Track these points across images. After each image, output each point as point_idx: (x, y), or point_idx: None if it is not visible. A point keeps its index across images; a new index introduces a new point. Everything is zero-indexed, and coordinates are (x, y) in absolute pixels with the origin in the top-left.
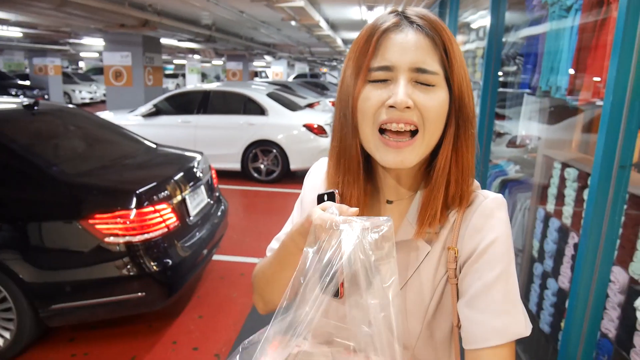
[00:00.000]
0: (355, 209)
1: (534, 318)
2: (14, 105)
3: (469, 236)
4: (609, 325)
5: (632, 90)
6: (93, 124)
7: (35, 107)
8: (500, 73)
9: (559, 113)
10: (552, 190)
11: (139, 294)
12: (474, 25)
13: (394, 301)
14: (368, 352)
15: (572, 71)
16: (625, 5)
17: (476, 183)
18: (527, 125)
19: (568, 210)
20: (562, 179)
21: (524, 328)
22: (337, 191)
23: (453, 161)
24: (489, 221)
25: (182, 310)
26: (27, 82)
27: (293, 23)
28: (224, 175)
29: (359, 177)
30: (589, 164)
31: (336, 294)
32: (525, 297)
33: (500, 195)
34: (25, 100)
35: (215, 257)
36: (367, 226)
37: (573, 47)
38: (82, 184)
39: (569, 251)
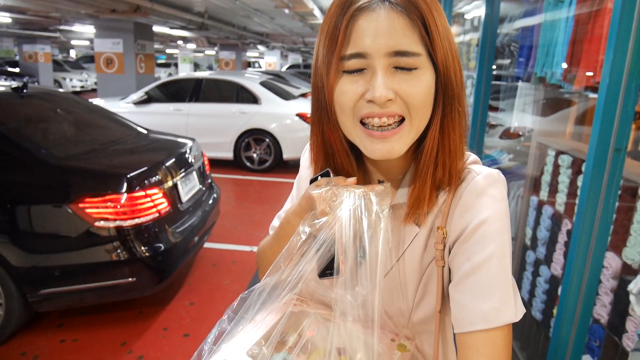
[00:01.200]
0: (353, 178)
1: (526, 306)
2: (2, 89)
3: (459, 215)
4: (601, 310)
5: (629, 72)
6: (83, 108)
7: (24, 91)
8: (494, 67)
9: (552, 104)
10: (546, 178)
11: (129, 279)
12: (468, 16)
13: (379, 273)
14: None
15: (565, 64)
16: None
17: (474, 157)
18: (520, 116)
19: (561, 197)
20: (556, 166)
21: (513, 313)
22: (330, 170)
23: (440, 144)
24: (480, 199)
25: (173, 297)
26: (17, 70)
27: (286, 11)
28: (216, 164)
29: (351, 163)
30: (583, 150)
31: (336, 273)
32: (517, 285)
33: (495, 170)
34: (14, 83)
35: (207, 244)
36: (366, 192)
37: (569, 33)
38: (72, 168)
39: (561, 238)
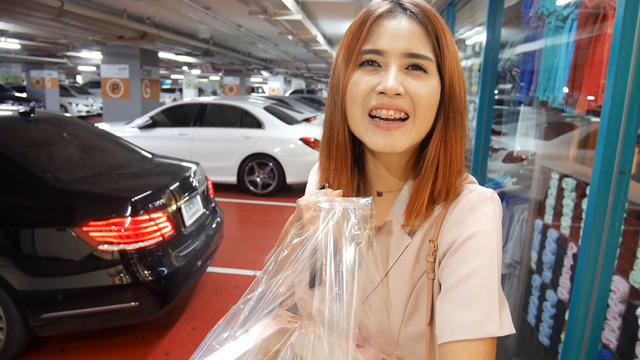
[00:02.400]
0: (339, 191)
1: (533, 331)
2: (10, 113)
3: (449, 229)
4: (610, 335)
5: (631, 94)
6: (89, 132)
7: (32, 115)
8: (496, 91)
9: (555, 128)
10: (550, 201)
11: (132, 303)
12: (469, 42)
13: (358, 287)
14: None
15: (567, 88)
16: (622, 12)
17: (471, 177)
18: (523, 140)
19: (566, 220)
20: (560, 190)
21: (497, 327)
22: (327, 184)
23: (442, 153)
24: (471, 214)
25: (176, 322)
26: (24, 95)
27: (290, 37)
28: (220, 188)
29: (347, 163)
30: (587, 174)
31: (318, 283)
32: (523, 309)
33: (489, 190)
34: (22, 108)
35: (210, 269)
36: (348, 205)
37: (570, 57)
38: (77, 191)
39: (567, 262)
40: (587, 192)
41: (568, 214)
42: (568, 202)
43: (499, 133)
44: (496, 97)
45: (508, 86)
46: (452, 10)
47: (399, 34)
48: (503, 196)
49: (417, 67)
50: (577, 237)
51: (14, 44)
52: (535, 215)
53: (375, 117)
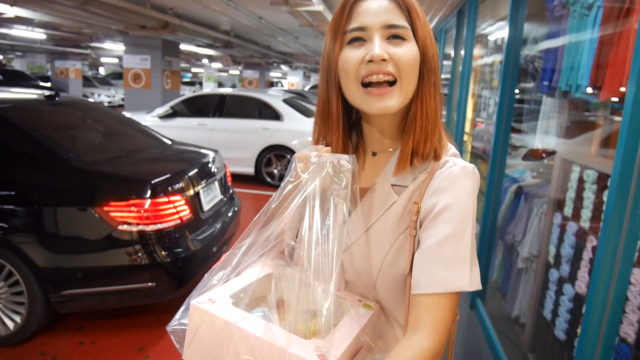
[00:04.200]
0: (327, 148)
1: (549, 325)
2: (36, 96)
3: (431, 195)
4: (628, 329)
5: None
6: (111, 117)
7: (56, 98)
8: (517, 90)
9: (577, 127)
10: (570, 194)
11: (149, 283)
12: (491, 37)
13: (340, 235)
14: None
15: (591, 75)
16: None
17: (454, 150)
18: (544, 138)
19: (586, 213)
20: (581, 182)
21: (467, 284)
22: (323, 143)
23: (419, 108)
24: (452, 186)
25: None
26: (48, 84)
27: (310, 29)
28: (237, 178)
29: (338, 128)
30: (608, 166)
31: (308, 228)
32: (540, 303)
33: (471, 165)
34: (47, 92)
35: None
36: (333, 159)
37: (595, 46)
38: (99, 172)
39: (586, 255)
40: (609, 184)
41: (588, 207)
42: (589, 195)
43: (519, 131)
44: (517, 96)
45: (529, 85)
46: (475, 4)
47: (377, 10)
48: (521, 190)
49: (396, 37)
50: (596, 231)
51: (39, 34)
52: (555, 208)
53: (368, 84)
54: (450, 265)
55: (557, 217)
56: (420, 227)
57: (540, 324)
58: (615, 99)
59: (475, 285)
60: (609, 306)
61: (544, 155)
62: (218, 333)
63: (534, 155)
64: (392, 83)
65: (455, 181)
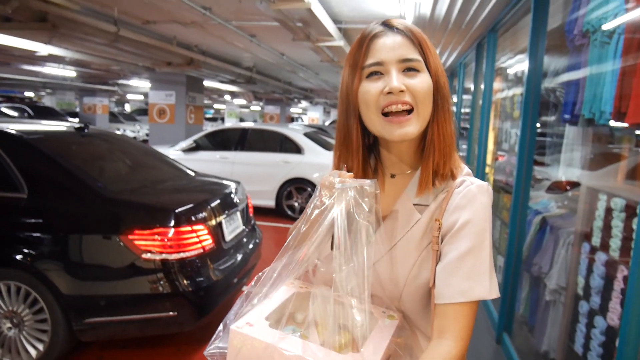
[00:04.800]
0: (350, 173)
1: None
2: (65, 128)
3: (452, 212)
4: None
5: None
6: (137, 149)
7: (85, 130)
8: (538, 124)
9: (601, 159)
10: (598, 223)
11: (171, 313)
12: (511, 70)
13: (368, 254)
14: (345, 292)
15: (614, 102)
16: None
17: (467, 169)
18: (568, 171)
19: (615, 242)
20: (608, 211)
21: (487, 292)
22: (344, 167)
23: (436, 132)
24: (470, 203)
25: (211, 337)
26: (76, 120)
27: (330, 65)
28: (258, 211)
29: (359, 152)
30: (636, 193)
31: (336, 248)
32: (570, 337)
33: (485, 183)
34: (76, 124)
35: (248, 288)
36: (356, 184)
37: (617, 72)
38: (124, 201)
39: (617, 285)
40: (638, 211)
41: (617, 236)
42: (617, 223)
43: (542, 164)
44: (538, 129)
45: (551, 118)
46: (494, 37)
47: (392, 46)
48: (546, 222)
49: (410, 69)
50: (627, 260)
51: (70, 71)
52: (582, 239)
53: (387, 114)
54: (471, 277)
55: (585, 247)
56: (442, 241)
57: (571, 359)
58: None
59: (495, 293)
60: None
61: (568, 187)
62: (259, 355)
63: (558, 186)
64: (409, 111)
65: (473, 199)
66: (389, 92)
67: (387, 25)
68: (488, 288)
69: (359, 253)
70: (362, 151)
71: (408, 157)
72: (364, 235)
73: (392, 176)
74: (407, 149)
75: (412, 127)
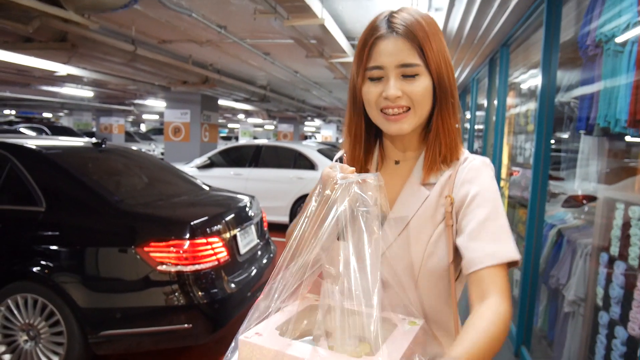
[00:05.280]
0: (352, 168)
1: None
2: (83, 144)
3: (461, 186)
4: None
5: None
6: (153, 164)
7: (103, 146)
8: (552, 141)
9: (617, 172)
10: (616, 232)
11: (186, 325)
12: (524, 85)
13: (374, 253)
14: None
15: (629, 109)
16: None
17: (466, 152)
18: (584, 185)
19: (635, 251)
20: (627, 219)
21: (515, 253)
22: (344, 156)
23: (440, 125)
24: (477, 175)
25: (226, 351)
26: (93, 139)
27: (343, 82)
28: (272, 227)
29: (361, 141)
30: None
31: (343, 239)
32: (590, 349)
33: (486, 157)
34: (94, 140)
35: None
36: (359, 178)
37: (632, 80)
38: (140, 214)
39: (638, 294)
40: None
41: (636, 244)
42: (636, 232)
43: (557, 178)
44: (553, 145)
45: (565, 134)
46: (506, 52)
47: (392, 51)
48: (562, 234)
49: (409, 75)
50: None
51: (87, 92)
52: (600, 248)
53: (386, 113)
54: (497, 240)
55: (604, 257)
56: (456, 217)
57: None
58: None
59: (519, 255)
60: None
61: (584, 201)
62: None
63: (574, 200)
64: (407, 109)
65: (479, 171)
66: (387, 98)
67: (391, 25)
68: (514, 249)
69: (367, 253)
70: (364, 140)
71: (411, 144)
72: (371, 232)
73: (396, 162)
74: (410, 138)
75: (407, 125)
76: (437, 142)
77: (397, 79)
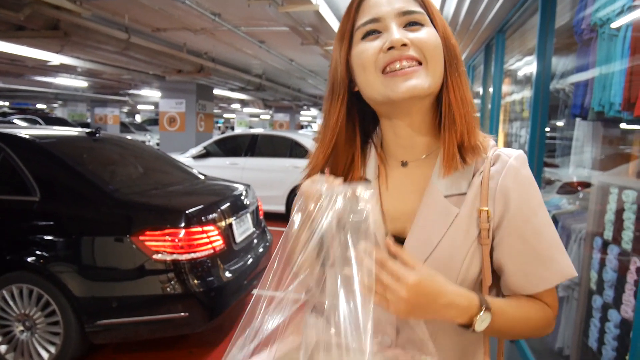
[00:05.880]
0: (339, 179)
1: (595, 355)
2: (78, 133)
3: (500, 196)
4: None
5: None
6: (148, 154)
7: (97, 135)
8: (547, 128)
9: (611, 160)
10: (609, 217)
11: (182, 314)
12: (520, 72)
13: (362, 284)
14: (331, 317)
15: (624, 93)
16: None
17: (492, 141)
18: (578, 172)
19: (628, 234)
20: (620, 204)
21: (570, 270)
22: (327, 170)
23: (452, 96)
24: (516, 181)
25: (223, 340)
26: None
27: None
28: (268, 216)
29: (352, 139)
30: None
31: (327, 262)
32: (584, 332)
33: (520, 151)
34: (88, 129)
35: (258, 291)
36: (347, 193)
37: (626, 63)
38: (135, 202)
39: (631, 277)
40: None
41: (629, 228)
42: (629, 215)
43: (552, 165)
44: (548, 132)
45: (560, 121)
46: (502, 38)
47: (389, 0)
48: (558, 219)
49: (413, 24)
50: None
51: (81, 82)
52: (594, 233)
53: (391, 70)
54: (550, 260)
55: (597, 241)
56: (493, 233)
57: (586, 354)
58: None
59: (574, 269)
60: None
61: (579, 188)
62: None
63: (569, 185)
64: (418, 64)
65: (517, 175)
66: (390, 48)
67: None
68: (568, 264)
69: (356, 281)
70: (355, 138)
71: (422, 135)
72: (362, 256)
73: (404, 164)
74: (421, 122)
75: (421, 80)
76: (451, 119)
77: (400, 28)
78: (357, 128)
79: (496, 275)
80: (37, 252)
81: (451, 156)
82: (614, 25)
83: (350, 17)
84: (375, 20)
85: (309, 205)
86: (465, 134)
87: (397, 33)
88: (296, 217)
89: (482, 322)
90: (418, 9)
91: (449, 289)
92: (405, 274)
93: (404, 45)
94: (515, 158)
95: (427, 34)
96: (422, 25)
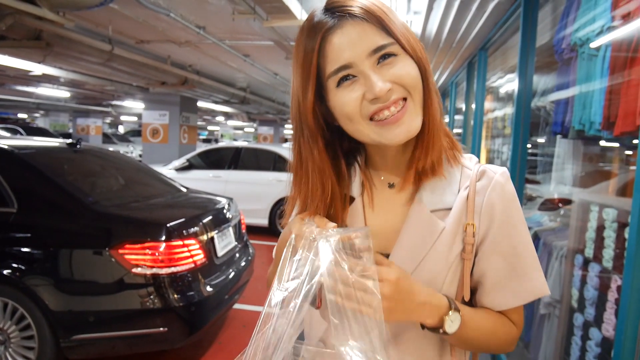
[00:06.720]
0: (333, 224)
1: None
2: (58, 144)
3: (487, 211)
4: None
5: None
6: (130, 165)
7: (77, 146)
8: (529, 145)
9: (592, 176)
10: (590, 234)
11: (161, 328)
12: (502, 90)
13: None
14: None
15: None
16: None
17: (475, 158)
18: (559, 189)
19: (608, 252)
20: (601, 221)
21: (542, 289)
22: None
23: (429, 118)
24: (502, 197)
25: (203, 355)
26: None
27: None
28: (251, 230)
29: (332, 174)
30: (627, 202)
31: (313, 303)
32: (565, 351)
33: (504, 168)
34: (69, 140)
35: (239, 305)
36: (343, 235)
37: (605, 82)
38: (115, 215)
39: (612, 296)
40: (629, 220)
41: (610, 246)
42: (609, 234)
43: (534, 182)
44: (529, 149)
45: (542, 138)
46: (484, 55)
47: (353, 40)
48: (539, 236)
49: (385, 56)
50: (621, 270)
51: (64, 92)
52: (575, 251)
53: (380, 118)
54: (524, 277)
55: (578, 259)
56: (477, 250)
57: None
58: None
59: (547, 288)
60: (639, 347)
61: (560, 204)
62: None
63: (550, 202)
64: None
65: (503, 191)
66: (375, 99)
67: (337, 11)
68: (542, 283)
69: (360, 324)
70: (335, 171)
71: (407, 153)
72: (363, 298)
73: (391, 186)
74: (408, 145)
75: (412, 120)
76: (431, 145)
77: (376, 70)
78: (339, 151)
79: (471, 291)
80: (13, 265)
81: (423, 163)
82: (593, 45)
83: (312, 61)
84: (347, 67)
85: (297, 250)
86: (431, 143)
87: (378, 81)
88: (285, 258)
89: (452, 322)
90: (385, 40)
91: (422, 287)
92: (386, 271)
93: (389, 89)
94: (501, 174)
95: (403, 65)
96: (394, 55)
